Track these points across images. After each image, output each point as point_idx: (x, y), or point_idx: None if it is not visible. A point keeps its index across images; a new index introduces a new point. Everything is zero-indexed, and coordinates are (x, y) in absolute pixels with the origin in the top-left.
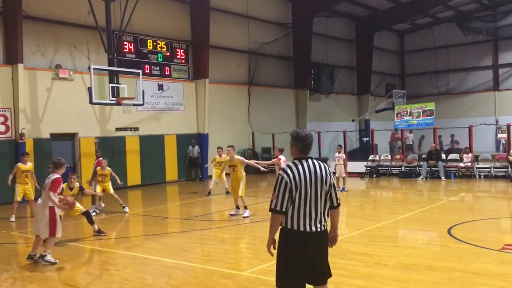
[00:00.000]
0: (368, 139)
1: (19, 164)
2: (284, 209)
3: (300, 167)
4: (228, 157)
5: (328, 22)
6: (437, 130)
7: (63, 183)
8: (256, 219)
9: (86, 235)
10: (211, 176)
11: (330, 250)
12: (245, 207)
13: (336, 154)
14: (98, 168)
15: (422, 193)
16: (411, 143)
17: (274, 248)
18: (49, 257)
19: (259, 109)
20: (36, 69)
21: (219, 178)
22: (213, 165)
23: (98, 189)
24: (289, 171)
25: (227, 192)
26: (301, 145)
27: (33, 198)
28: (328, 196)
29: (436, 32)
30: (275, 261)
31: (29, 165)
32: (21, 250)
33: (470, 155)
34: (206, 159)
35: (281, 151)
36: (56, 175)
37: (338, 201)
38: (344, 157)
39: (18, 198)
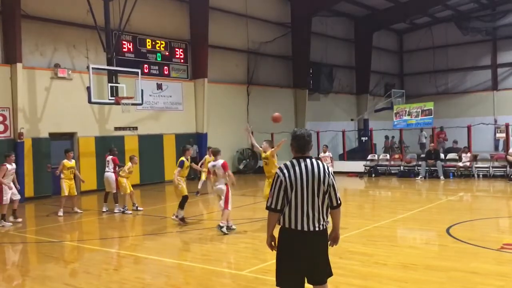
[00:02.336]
0: (367, 138)
1: (65, 161)
2: (278, 207)
3: (296, 166)
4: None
5: (327, 21)
6: (436, 129)
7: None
8: (255, 219)
9: (86, 235)
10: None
11: (329, 249)
12: None
13: (322, 154)
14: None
15: (421, 193)
16: (424, 141)
17: (275, 246)
18: (224, 229)
19: (258, 109)
20: (34, 68)
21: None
22: (204, 165)
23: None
24: (284, 170)
25: None
26: (296, 144)
27: (76, 194)
28: (327, 196)
29: (435, 31)
30: (274, 261)
31: (73, 162)
32: (21, 250)
33: (468, 154)
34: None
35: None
36: (222, 160)
37: (339, 201)
38: (331, 155)
39: (66, 193)
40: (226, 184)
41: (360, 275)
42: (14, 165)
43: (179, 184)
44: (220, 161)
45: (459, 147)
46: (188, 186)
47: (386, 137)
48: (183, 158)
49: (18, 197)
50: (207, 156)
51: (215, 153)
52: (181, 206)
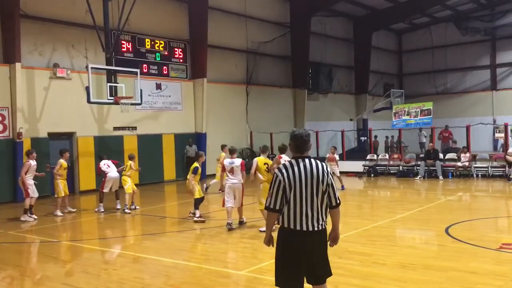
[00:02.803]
0: (366, 138)
1: (63, 161)
2: (277, 207)
3: (295, 166)
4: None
5: (326, 21)
6: (435, 129)
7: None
8: (254, 219)
9: (85, 234)
10: (210, 176)
11: (328, 249)
12: None
13: (330, 154)
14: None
15: (420, 193)
16: (424, 141)
17: (273, 245)
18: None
19: (257, 109)
20: (33, 68)
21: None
22: (220, 161)
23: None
24: (283, 170)
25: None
26: (294, 144)
27: (68, 193)
28: (326, 196)
29: (434, 31)
30: (272, 260)
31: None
32: (19, 250)
33: (467, 154)
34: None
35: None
36: (240, 159)
37: (338, 201)
38: (337, 158)
39: (63, 193)
40: (242, 184)
41: (359, 275)
42: (35, 162)
43: (194, 188)
44: (238, 160)
45: (458, 147)
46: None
47: (376, 137)
48: (197, 164)
49: (36, 194)
50: (223, 153)
51: (232, 152)
52: (196, 206)
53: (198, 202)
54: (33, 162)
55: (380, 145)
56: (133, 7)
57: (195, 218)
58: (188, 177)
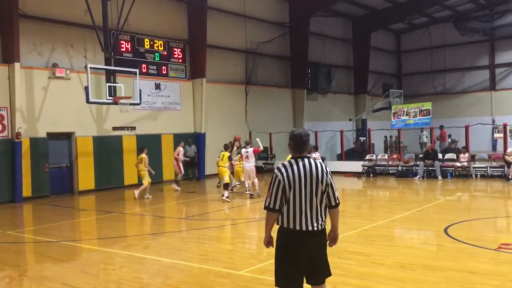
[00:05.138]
0: (365, 138)
1: (145, 156)
2: (277, 207)
3: (295, 166)
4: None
5: (325, 21)
6: (434, 129)
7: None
8: (253, 219)
9: (84, 234)
10: (209, 176)
11: (327, 249)
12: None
13: (313, 155)
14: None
15: (419, 193)
16: (425, 141)
17: (272, 246)
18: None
19: (256, 109)
20: (32, 68)
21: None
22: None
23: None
24: (283, 170)
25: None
26: (293, 144)
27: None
28: (325, 195)
29: (433, 32)
30: (272, 260)
31: None
32: (18, 249)
33: (466, 154)
34: (203, 159)
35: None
36: (252, 148)
37: (337, 201)
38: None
39: (150, 180)
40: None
41: (357, 275)
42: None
43: (229, 173)
44: (251, 149)
45: (457, 147)
46: (191, 186)
47: (358, 138)
48: (229, 154)
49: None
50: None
51: (248, 143)
52: (226, 188)
53: (228, 186)
54: (182, 149)
55: (380, 145)
56: (132, 7)
57: (224, 197)
58: (224, 165)
